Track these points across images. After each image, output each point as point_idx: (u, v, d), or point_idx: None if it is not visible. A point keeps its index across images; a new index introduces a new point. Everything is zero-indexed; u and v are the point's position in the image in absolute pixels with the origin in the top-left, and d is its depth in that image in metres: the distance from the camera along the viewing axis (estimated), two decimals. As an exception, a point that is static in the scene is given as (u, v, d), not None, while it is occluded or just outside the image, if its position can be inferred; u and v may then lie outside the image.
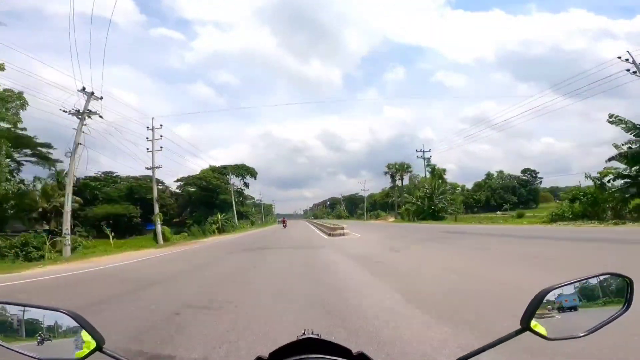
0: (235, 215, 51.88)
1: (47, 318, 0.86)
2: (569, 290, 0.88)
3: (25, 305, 0.88)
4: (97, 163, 69.10)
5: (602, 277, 0.90)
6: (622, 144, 20.77)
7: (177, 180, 52.55)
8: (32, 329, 0.86)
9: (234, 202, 52.05)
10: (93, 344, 0.81)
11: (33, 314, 0.87)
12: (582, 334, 0.86)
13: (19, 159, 27.81)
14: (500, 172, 77.39)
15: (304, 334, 0.94)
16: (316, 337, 0.90)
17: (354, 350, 0.82)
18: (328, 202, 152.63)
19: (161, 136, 35.19)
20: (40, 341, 0.85)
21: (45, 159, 29.78)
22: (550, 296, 0.85)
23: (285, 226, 50.69)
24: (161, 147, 35.73)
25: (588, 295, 0.89)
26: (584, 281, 0.89)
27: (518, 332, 0.82)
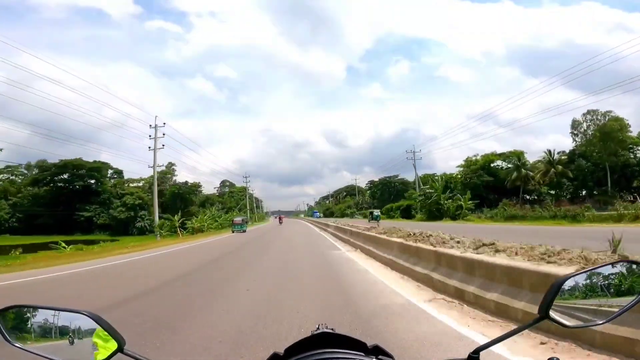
0: None
1: (67, 320, 0.86)
2: (585, 278, 0.89)
3: (45, 308, 0.89)
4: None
5: (617, 265, 0.90)
6: None
7: None
8: (52, 332, 0.86)
9: None
10: (114, 346, 0.81)
11: (53, 316, 0.87)
12: (600, 322, 0.87)
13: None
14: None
15: (318, 328, 0.94)
16: (330, 331, 0.90)
17: (369, 343, 0.83)
18: (344, 193, 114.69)
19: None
20: (60, 344, 0.85)
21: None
22: (567, 284, 0.86)
23: (281, 222, 59.18)
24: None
25: (604, 282, 0.89)
26: (600, 269, 0.89)
27: (537, 321, 0.82)
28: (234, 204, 72.12)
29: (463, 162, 56.25)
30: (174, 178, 63.32)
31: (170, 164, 62.32)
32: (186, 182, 62.64)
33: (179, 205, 53.00)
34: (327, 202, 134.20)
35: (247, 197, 77.24)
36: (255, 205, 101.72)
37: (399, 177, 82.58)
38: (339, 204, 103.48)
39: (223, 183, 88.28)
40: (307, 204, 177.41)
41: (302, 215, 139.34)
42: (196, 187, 65.50)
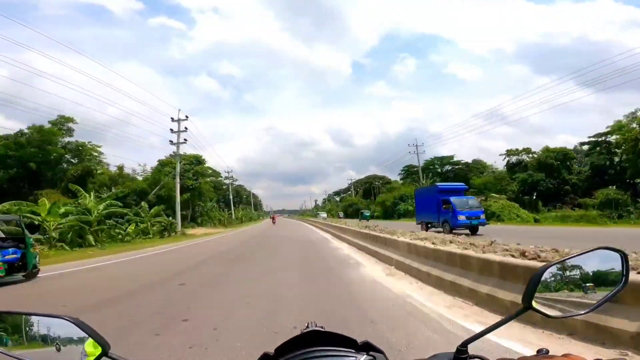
0: None
1: (49, 326, 0.85)
2: (566, 266, 0.89)
3: (26, 314, 0.88)
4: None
5: (596, 252, 0.90)
6: None
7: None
8: (34, 338, 0.86)
9: None
10: (98, 351, 0.80)
11: (35, 322, 0.87)
12: (582, 312, 0.87)
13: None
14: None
15: (307, 327, 0.95)
16: (320, 329, 0.90)
17: (359, 340, 0.83)
18: (366, 184, 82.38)
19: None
20: (44, 350, 0.84)
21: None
22: (548, 274, 0.86)
23: (274, 222, 52.55)
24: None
25: (585, 271, 0.90)
26: (579, 257, 0.89)
27: (521, 312, 0.83)
28: (143, 186, 34.28)
29: (611, 126, 35.22)
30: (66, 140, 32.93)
31: (64, 119, 32.68)
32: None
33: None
34: (338, 199, 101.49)
35: (178, 170, 33.08)
36: (239, 199, 76.67)
37: (454, 159, 58.34)
38: (384, 194, 61.50)
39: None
40: (315, 201, 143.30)
41: (325, 216, 71.17)
42: (78, 148, 34.61)
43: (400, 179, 66.31)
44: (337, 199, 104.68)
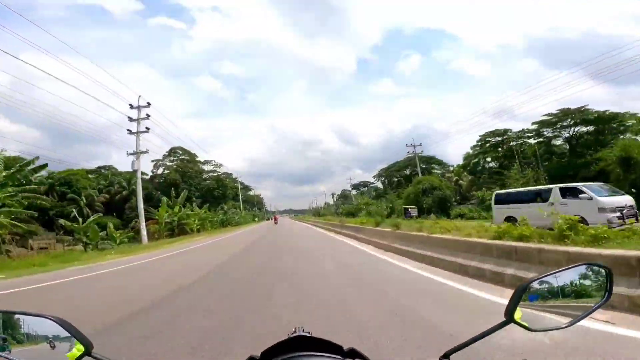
0: None
1: (33, 325, 0.85)
2: (550, 281, 0.90)
3: (9, 312, 0.88)
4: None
5: (581, 268, 0.91)
6: None
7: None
8: (16, 337, 0.85)
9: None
10: (81, 350, 0.80)
11: (19, 321, 0.87)
12: (564, 325, 0.88)
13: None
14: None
15: (294, 332, 0.95)
16: (307, 334, 0.90)
17: (345, 346, 0.84)
18: (407, 171, 53.32)
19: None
20: (26, 348, 0.84)
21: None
22: (532, 288, 0.87)
23: (276, 222, 51.46)
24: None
25: (569, 286, 0.91)
26: (564, 272, 0.90)
27: (503, 325, 0.83)
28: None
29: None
30: None
31: None
32: None
33: None
34: (356, 192, 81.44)
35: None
36: (223, 194, 60.78)
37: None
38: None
39: (172, 151, 53.65)
40: (332, 194, 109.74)
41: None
42: None
43: (466, 160, 44.77)
44: (354, 192, 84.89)
